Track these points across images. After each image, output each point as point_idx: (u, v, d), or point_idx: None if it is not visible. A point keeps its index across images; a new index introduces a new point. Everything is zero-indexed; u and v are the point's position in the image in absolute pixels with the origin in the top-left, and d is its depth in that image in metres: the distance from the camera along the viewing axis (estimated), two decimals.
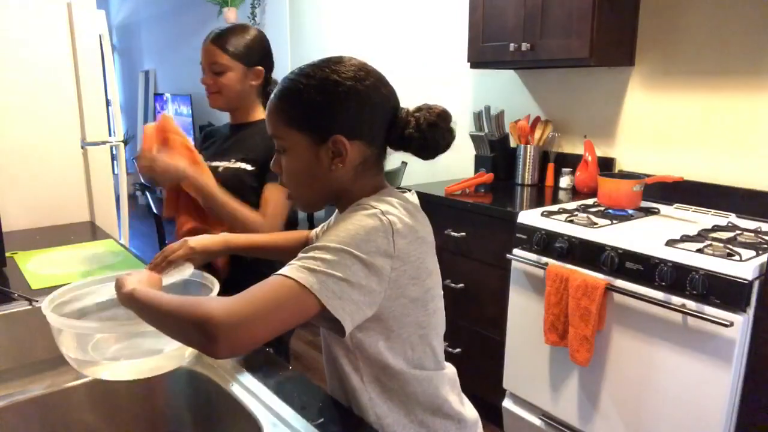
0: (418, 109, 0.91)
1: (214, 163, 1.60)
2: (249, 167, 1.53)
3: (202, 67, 1.57)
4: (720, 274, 1.55)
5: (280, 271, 0.77)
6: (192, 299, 0.75)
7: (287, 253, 1.27)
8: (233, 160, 1.56)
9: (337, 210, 0.99)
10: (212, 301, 0.74)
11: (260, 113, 1.62)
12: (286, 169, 0.91)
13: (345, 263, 0.77)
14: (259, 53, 1.58)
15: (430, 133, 0.89)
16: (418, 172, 3.10)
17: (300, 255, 0.80)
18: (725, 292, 1.55)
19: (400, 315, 0.88)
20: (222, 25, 1.60)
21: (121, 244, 1.80)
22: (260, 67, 1.58)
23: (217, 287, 1.01)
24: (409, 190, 0.97)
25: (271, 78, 1.65)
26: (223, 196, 1.44)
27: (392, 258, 0.82)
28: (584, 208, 2.16)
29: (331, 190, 0.91)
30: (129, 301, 0.85)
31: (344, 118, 0.86)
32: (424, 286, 0.90)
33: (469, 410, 1.03)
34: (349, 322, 0.79)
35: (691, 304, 1.61)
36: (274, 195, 1.49)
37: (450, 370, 1.02)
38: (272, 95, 0.90)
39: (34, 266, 1.57)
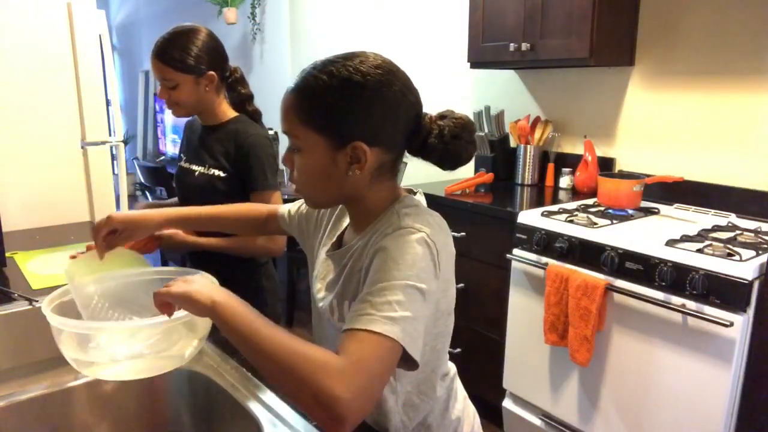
0: (442, 117, 0.88)
1: (192, 167, 1.62)
2: (221, 174, 1.56)
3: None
4: (720, 274, 1.55)
5: (372, 329, 0.72)
6: (304, 355, 0.69)
7: (243, 227, 1.25)
8: (207, 166, 1.58)
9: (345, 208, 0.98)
10: (332, 373, 0.67)
11: (228, 111, 1.61)
12: (300, 168, 0.86)
13: (413, 299, 0.76)
14: (207, 58, 1.52)
15: (452, 145, 0.86)
16: (418, 172, 3.09)
17: (370, 298, 0.75)
18: (725, 292, 1.54)
19: (432, 328, 0.88)
20: (176, 25, 1.54)
21: None
22: (211, 73, 1.53)
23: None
24: (416, 192, 0.95)
25: (230, 69, 1.62)
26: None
27: (438, 279, 0.82)
28: (584, 208, 2.16)
29: (343, 194, 0.88)
30: (211, 314, 0.76)
31: (367, 124, 0.82)
32: (449, 296, 0.90)
33: (468, 404, 1.06)
34: (420, 356, 0.77)
35: (691, 304, 1.61)
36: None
37: (453, 366, 1.03)
38: (290, 90, 0.85)
39: (34, 266, 1.57)
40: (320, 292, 0.98)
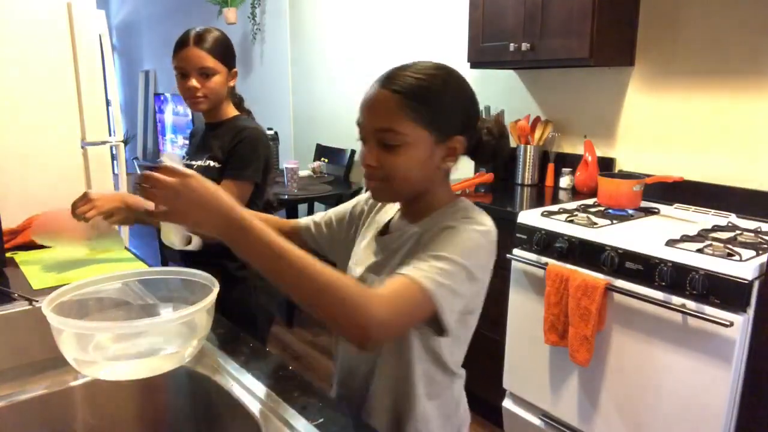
0: (483, 120, 0.99)
1: (192, 162, 1.67)
2: (216, 165, 1.60)
3: (179, 73, 1.56)
4: (720, 274, 1.55)
5: (417, 278, 0.82)
6: (346, 286, 0.77)
7: None
8: (205, 159, 1.63)
9: (398, 207, 1.04)
10: (370, 305, 0.77)
11: (231, 111, 1.67)
12: (397, 164, 0.89)
13: (462, 278, 0.85)
14: (233, 55, 1.63)
15: (502, 142, 0.98)
16: None
17: (429, 260, 0.84)
18: (725, 292, 1.55)
19: (465, 318, 0.96)
20: (205, 24, 1.62)
21: None
22: (236, 69, 1.63)
23: (217, 287, 1.01)
24: None
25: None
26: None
27: (487, 275, 0.92)
28: (584, 208, 2.16)
29: (424, 187, 0.95)
30: (232, 228, 0.76)
31: (465, 120, 0.94)
32: (482, 296, 0.98)
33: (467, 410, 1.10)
34: (451, 328, 0.86)
35: (691, 304, 1.61)
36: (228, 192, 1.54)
37: (464, 372, 1.08)
38: (387, 89, 0.89)
39: (34, 266, 1.57)
40: (362, 274, 1.02)
